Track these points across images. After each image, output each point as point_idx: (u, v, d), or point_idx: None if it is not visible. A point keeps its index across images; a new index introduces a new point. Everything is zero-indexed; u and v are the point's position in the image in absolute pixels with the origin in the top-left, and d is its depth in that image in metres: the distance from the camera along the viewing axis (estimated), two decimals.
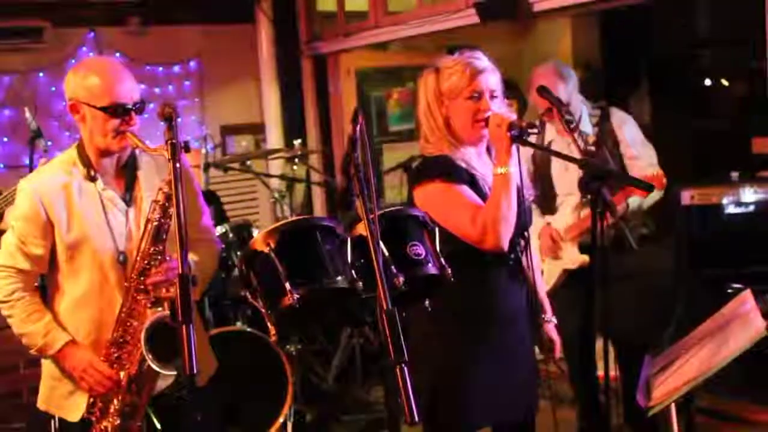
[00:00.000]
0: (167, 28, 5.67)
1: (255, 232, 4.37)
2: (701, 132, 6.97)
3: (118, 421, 2.48)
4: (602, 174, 2.55)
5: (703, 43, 7.30)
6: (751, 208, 4.13)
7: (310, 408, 4.44)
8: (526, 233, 2.56)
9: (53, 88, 5.12)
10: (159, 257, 2.43)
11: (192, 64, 5.81)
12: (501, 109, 2.53)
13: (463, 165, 2.52)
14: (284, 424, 4.00)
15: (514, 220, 2.43)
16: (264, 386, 4.00)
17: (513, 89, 4.60)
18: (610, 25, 6.62)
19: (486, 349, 2.52)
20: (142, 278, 2.44)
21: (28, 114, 3.97)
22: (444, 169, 2.49)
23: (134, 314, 2.45)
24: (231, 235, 4.34)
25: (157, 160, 2.57)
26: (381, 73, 6.77)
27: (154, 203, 2.42)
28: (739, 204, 4.14)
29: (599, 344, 2.63)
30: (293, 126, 6.09)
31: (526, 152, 3.65)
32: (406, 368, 1.82)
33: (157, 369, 2.37)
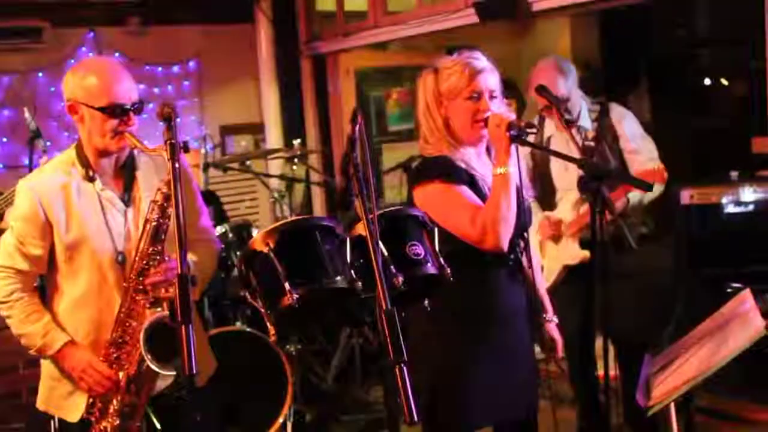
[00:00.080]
0: (166, 28, 5.67)
1: (254, 232, 4.36)
2: (701, 131, 6.97)
3: (118, 422, 2.48)
4: (601, 173, 2.55)
5: (702, 42, 7.30)
6: (751, 207, 4.12)
7: (310, 408, 4.44)
8: (525, 233, 2.56)
9: (52, 89, 5.12)
10: (158, 257, 2.43)
11: (191, 64, 5.81)
12: (500, 109, 2.53)
13: (463, 165, 2.52)
14: (284, 424, 4.00)
15: (513, 221, 2.43)
16: (264, 386, 3.99)
17: (511, 89, 4.61)
18: (609, 24, 6.62)
19: (485, 348, 2.52)
20: (140, 278, 2.44)
21: (27, 114, 3.97)
22: (443, 170, 2.49)
23: (133, 314, 2.45)
24: (230, 235, 4.34)
25: (155, 160, 2.57)
26: (380, 73, 6.77)
27: (152, 203, 2.42)
28: (738, 203, 4.14)
29: (599, 343, 2.64)
30: (293, 126, 6.09)
31: (526, 149, 3.65)
32: (405, 368, 1.82)
33: (156, 369, 2.36)
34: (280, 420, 3.98)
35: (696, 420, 2.72)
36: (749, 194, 4.13)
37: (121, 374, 2.47)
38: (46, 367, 2.61)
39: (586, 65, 6.39)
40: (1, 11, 4.96)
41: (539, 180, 3.74)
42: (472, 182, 2.51)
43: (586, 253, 3.59)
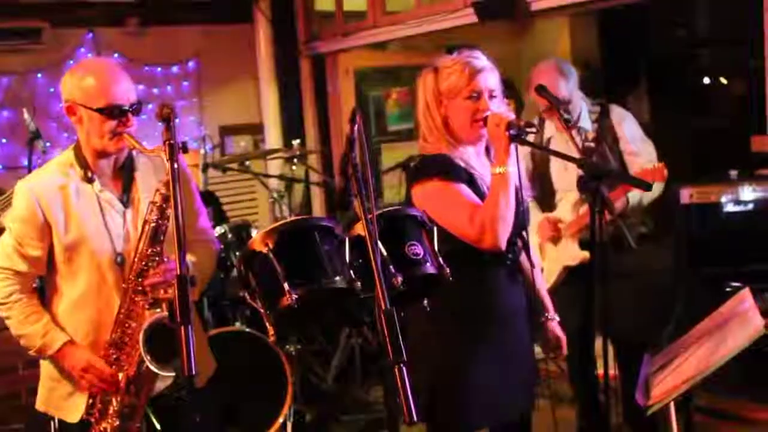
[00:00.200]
0: (166, 29, 5.67)
1: (254, 233, 4.36)
2: (700, 130, 6.97)
3: (117, 422, 2.48)
4: (600, 173, 2.55)
5: (701, 42, 7.30)
6: (750, 206, 4.12)
7: (310, 408, 4.44)
8: (524, 233, 2.56)
9: (52, 89, 5.12)
10: (157, 258, 2.43)
11: (190, 64, 5.81)
12: (500, 108, 2.53)
13: (462, 164, 2.52)
14: (284, 425, 4.00)
15: (512, 220, 2.42)
16: (263, 386, 3.99)
17: (510, 89, 4.60)
18: (608, 24, 6.62)
19: (485, 348, 2.51)
20: (140, 279, 2.44)
21: (26, 115, 3.98)
22: (442, 168, 2.49)
23: (132, 315, 2.45)
24: (230, 235, 4.34)
25: (154, 161, 2.56)
26: (379, 73, 6.77)
27: (151, 204, 2.42)
28: (738, 202, 4.13)
29: (598, 343, 2.63)
30: (292, 126, 6.09)
31: (525, 150, 3.66)
32: (404, 368, 1.82)
33: (156, 370, 2.36)
34: (280, 420, 3.98)
35: (695, 419, 2.72)
36: (749, 193, 4.13)
37: (120, 375, 2.47)
38: (46, 367, 2.61)
39: (585, 65, 6.39)
40: (0, 12, 4.96)
41: (539, 181, 3.75)
42: (471, 181, 2.51)
43: (586, 254, 3.59)
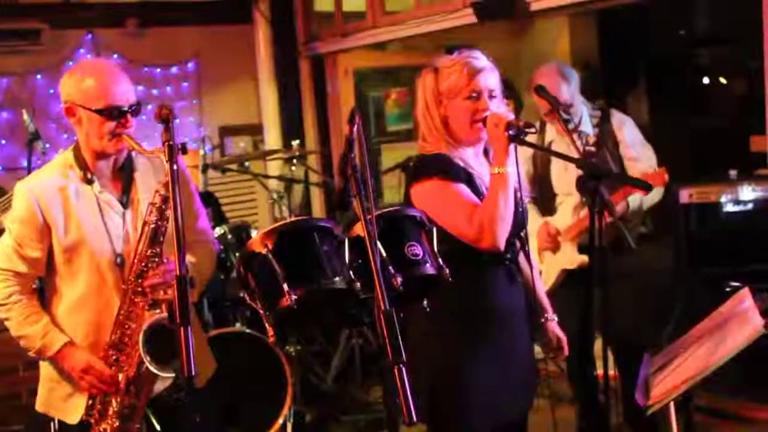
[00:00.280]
0: (165, 30, 5.67)
1: (253, 234, 4.36)
2: (699, 130, 6.98)
3: (117, 423, 2.48)
4: (599, 173, 2.55)
5: (701, 42, 7.31)
6: (750, 206, 4.13)
7: (310, 408, 4.44)
8: (522, 233, 2.56)
9: (51, 90, 5.12)
10: (156, 259, 2.43)
11: (190, 65, 5.81)
12: (499, 108, 2.53)
13: (461, 164, 2.52)
14: (284, 425, 4.00)
15: (510, 220, 2.42)
16: (263, 387, 3.99)
17: (509, 89, 4.60)
18: (607, 24, 6.62)
19: (484, 348, 2.51)
20: (139, 280, 2.44)
21: (26, 116, 3.98)
22: (442, 167, 2.49)
23: (132, 316, 2.45)
24: (230, 236, 4.34)
25: (153, 161, 2.57)
26: (379, 73, 6.77)
27: (150, 205, 2.42)
28: (737, 202, 4.14)
29: (598, 343, 2.63)
30: (291, 127, 6.09)
31: (527, 153, 3.66)
32: (404, 369, 1.82)
33: (156, 371, 2.36)
34: (280, 421, 3.98)
35: (695, 419, 2.72)
36: (748, 193, 4.13)
37: (120, 376, 2.47)
38: (45, 368, 2.61)
39: (585, 65, 6.39)
40: None
41: (539, 184, 3.75)
42: (470, 181, 2.50)
43: (585, 258, 3.59)
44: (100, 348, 2.50)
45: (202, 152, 4.86)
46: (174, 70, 5.75)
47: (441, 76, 2.54)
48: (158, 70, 5.67)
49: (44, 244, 2.49)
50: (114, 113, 2.43)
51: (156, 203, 2.40)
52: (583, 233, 3.56)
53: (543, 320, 2.73)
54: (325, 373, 4.73)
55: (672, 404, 2.32)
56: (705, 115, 7.18)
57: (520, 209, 2.52)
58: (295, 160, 5.02)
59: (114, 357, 2.49)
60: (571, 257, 3.66)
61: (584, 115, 3.71)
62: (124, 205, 2.55)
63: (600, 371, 2.62)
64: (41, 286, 2.64)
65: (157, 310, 2.41)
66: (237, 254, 4.01)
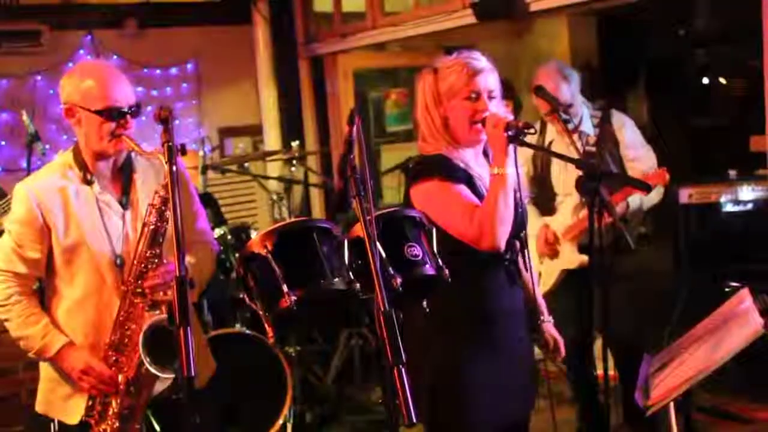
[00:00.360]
0: (164, 31, 5.67)
1: (253, 234, 4.36)
2: (699, 130, 6.97)
3: (117, 424, 2.48)
4: (599, 174, 2.55)
5: (701, 41, 7.30)
6: (749, 206, 4.13)
7: (310, 409, 4.44)
8: (522, 234, 2.56)
9: (51, 92, 5.11)
10: (156, 260, 2.43)
11: (189, 66, 5.81)
12: (499, 109, 2.53)
13: (461, 164, 2.52)
14: (284, 425, 4.00)
15: (510, 220, 2.42)
16: (263, 388, 4.00)
17: (508, 89, 4.60)
18: (607, 23, 6.62)
19: (484, 348, 2.51)
20: (139, 281, 2.44)
21: (26, 117, 3.98)
22: (442, 168, 2.48)
23: (132, 317, 2.45)
24: (229, 237, 4.34)
25: (153, 162, 2.57)
26: (379, 74, 6.77)
27: (150, 206, 2.42)
28: (737, 202, 4.14)
29: (598, 344, 2.64)
30: (291, 127, 6.08)
31: (527, 154, 3.67)
32: (403, 369, 1.82)
33: (155, 372, 2.37)
34: (280, 421, 3.98)
35: (695, 419, 2.73)
36: (748, 193, 4.13)
37: (120, 377, 2.47)
38: (45, 369, 2.61)
39: (584, 65, 6.39)
40: None
41: (539, 185, 3.75)
42: (470, 182, 2.50)
43: (584, 258, 3.59)
44: (99, 349, 2.50)
45: (201, 153, 4.85)
46: (173, 71, 5.75)
47: (440, 76, 2.54)
48: (158, 71, 5.67)
49: (44, 245, 2.50)
50: (114, 114, 2.43)
51: (155, 204, 2.40)
52: (583, 233, 3.56)
53: (539, 322, 2.73)
54: (325, 374, 4.73)
55: (672, 404, 2.32)
56: (705, 115, 7.17)
57: (520, 210, 2.52)
58: (294, 161, 5.02)
59: (114, 358, 2.49)
60: (571, 257, 3.66)
61: (584, 116, 3.71)
62: (124, 206, 2.55)
63: (600, 371, 2.63)
64: (41, 287, 2.64)
65: (157, 311, 2.42)
66: (237, 255, 4.02)
